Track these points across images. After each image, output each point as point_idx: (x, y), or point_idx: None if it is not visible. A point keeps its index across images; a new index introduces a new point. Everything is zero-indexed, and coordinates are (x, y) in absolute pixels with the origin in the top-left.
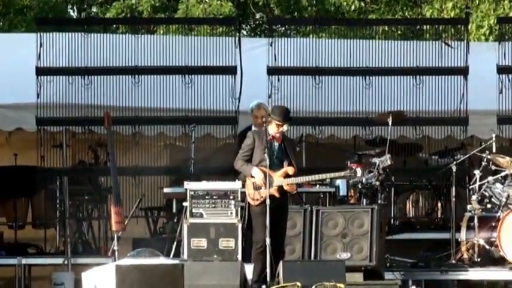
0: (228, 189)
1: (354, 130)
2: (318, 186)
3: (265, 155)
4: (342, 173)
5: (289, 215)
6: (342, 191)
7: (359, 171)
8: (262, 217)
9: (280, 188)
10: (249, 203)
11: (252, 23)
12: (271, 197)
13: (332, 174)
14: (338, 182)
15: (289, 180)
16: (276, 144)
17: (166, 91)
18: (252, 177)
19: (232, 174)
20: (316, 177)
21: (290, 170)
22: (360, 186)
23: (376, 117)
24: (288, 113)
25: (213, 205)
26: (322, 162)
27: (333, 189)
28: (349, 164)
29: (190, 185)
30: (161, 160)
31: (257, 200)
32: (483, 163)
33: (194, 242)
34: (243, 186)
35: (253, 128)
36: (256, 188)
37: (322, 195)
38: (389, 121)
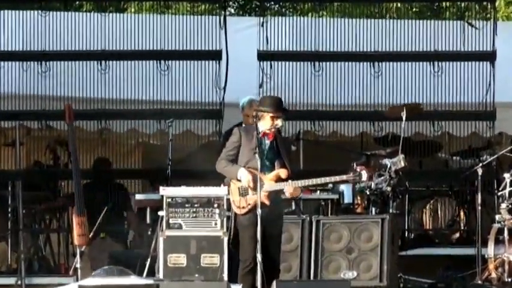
0: (211, 196)
1: (360, 126)
2: (318, 192)
3: (256, 154)
4: (345, 177)
5: (284, 226)
6: (347, 198)
7: (366, 174)
8: (250, 229)
9: (272, 194)
10: (235, 213)
11: None
12: (261, 204)
13: (334, 178)
14: (342, 187)
15: (282, 185)
16: (267, 142)
17: (138, 80)
18: (238, 180)
19: (216, 178)
20: (316, 181)
21: (283, 172)
22: (368, 193)
23: (387, 111)
24: (281, 103)
25: (194, 215)
26: (322, 164)
27: (336, 196)
28: (355, 166)
29: (166, 191)
30: (132, 161)
31: (243, 208)
32: None
33: (171, 259)
34: (229, 192)
35: (242, 124)
36: (243, 193)
37: (323, 203)
38: (403, 115)
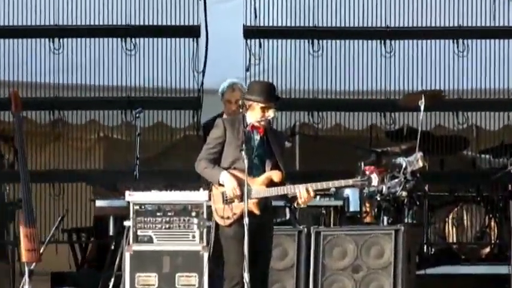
0: (189, 202)
1: (369, 118)
2: (317, 198)
3: (243, 152)
4: (351, 181)
5: (276, 239)
6: (353, 205)
7: (376, 177)
8: (236, 243)
9: (262, 202)
10: (217, 224)
11: None
12: (249, 213)
13: (337, 183)
14: (347, 192)
15: (275, 190)
16: (257, 137)
17: (99, 62)
18: (221, 185)
19: (195, 180)
20: (315, 186)
21: (275, 174)
22: (378, 198)
23: (402, 99)
24: (272, 90)
25: (168, 225)
26: (323, 163)
27: (339, 203)
28: (362, 166)
29: (134, 196)
30: (92, 160)
31: (228, 218)
32: None
33: (140, 279)
34: (210, 198)
35: (224, 115)
36: (227, 201)
37: (324, 211)
38: (421, 104)
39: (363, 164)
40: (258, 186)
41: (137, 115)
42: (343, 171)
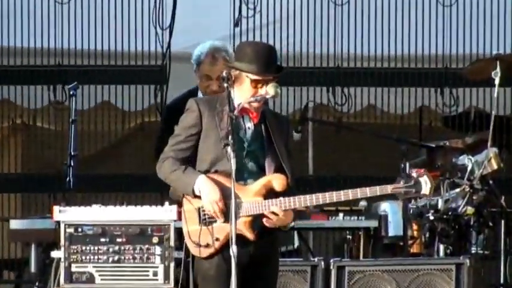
0: (148, 223)
1: (418, 96)
2: (340, 215)
3: (228, 148)
4: (390, 188)
5: (281, 278)
6: (394, 228)
7: (428, 183)
8: (218, 283)
9: (258, 221)
10: (190, 255)
11: None
12: (238, 240)
13: (370, 191)
14: (384, 206)
15: (274, 204)
16: (249, 125)
17: (16, 16)
18: (196, 196)
19: (156, 189)
20: (337, 196)
21: (277, 180)
22: (431, 217)
23: (468, 69)
24: (272, 55)
25: (117, 257)
26: (348, 164)
27: (373, 223)
28: (408, 168)
29: (66, 214)
30: (5, 159)
31: (207, 246)
32: None
33: None
34: (180, 216)
35: (199, 94)
36: (206, 220)
37: (350, 236)
38: (495, 76)
39: (408, 164)
40: (251, 198)
41: (72, 92)
42: (377, 176)
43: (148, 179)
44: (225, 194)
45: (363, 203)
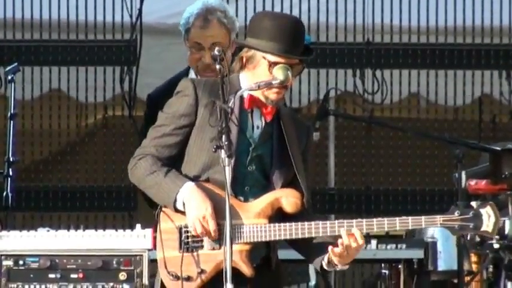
0: (114, 254)
1: (477, 82)
2: (373, 242)
3: (222, 151)
4: (441, 219)
5: None
6: (445, 259)
7: (490, 217)
8: None
9: (260, 252)
10: None
11: None
12: (234, 274)
13: (412, 221)
14: (432, 232)
15: (287, 229)
16: (259, 123)
17: None
18: (179, 211)
19: (126, 206)
20: (368, 225)
21: (288, 197)
22: (496, 246)
23: None
24: (301, 33)
25: None
26: (381, 172)
27: (417, 254)
28: (464, 180)
29: (3, 241)
30: None
31: (189, 279)
32: None
33: None
34: (155, 241)
35: (191, 75)
36: (189, 244)
37: (384, 270)
38: None
39: (464, 174)
40: (253, 220)
41: (10, 77)
42: (421, 190)
43: (114, 194)
44: (218, 211)
45: (402, 232)
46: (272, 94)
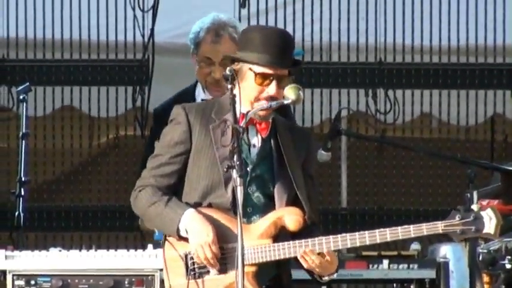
0: (125, 274)
1: (489, 101)
2: (385, 262)
3: (234, 171)
4: (442, 225)
5: None
6: (457, 279)
7: (492, 219)
8: None
9: (267, 273)
10: None
11: None
12: None
13: (414, 229)
14: (444, 250)
15: (287, 248)
16: (256, 141)
17: None
18: (181, 238)
19: (137, 226)
20: (371, 237)
21: (291, 216)
22: (508, 266)
23: None
24: (288, 44)
25: None
26: (393, 192)
27: (429, 274)
28: (475, 199)
29: (15, 261)
30: None
31: None
32: None
33: None
34: (165, 265)
35: (199, 89)
36: (195, 271)
37: None
38: None
39: (475, 194)
40: (257, 241)
41: (21, 97)
42: (433, 210)
43: (126, 214)
44: (221, 236)
45: (415, 246)
46: (263, 112)
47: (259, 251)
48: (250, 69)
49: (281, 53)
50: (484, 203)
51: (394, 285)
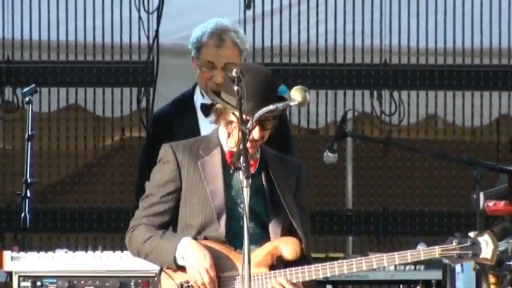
0: (131, 275)
1: (493, 102)
2: (392, 267)
3: (240, 173)
4: (439, 250)
5: None
6: (463, 280)
7: (488, 244)
8: None
9: None
10: None
11: None
12: None
13: (411, 254)
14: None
15: (280, 275)
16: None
17: None
18: (178, 267)
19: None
20: (368, 262)
21: (287, 246)
22: None
23: None
24: (274, 88)
25: None
26: (399, 194)
27: (435, 275)
28: (482, 202)
29: (21, 262)
30: None
31: None
32: None
33: None
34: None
35: (197, 93)
36: None
37: None
38: None
39: (482, 195)
40: (254, 270)
41: (27, 98)
42: (439, 211)
43: (131, 215)
44: (218, 265)
45: (421, 247)
46: (252, 149)
47: (256, 279)
48: (233, 113)
49: (265, 98)
50: (491, 204)
51: (401, 286)
